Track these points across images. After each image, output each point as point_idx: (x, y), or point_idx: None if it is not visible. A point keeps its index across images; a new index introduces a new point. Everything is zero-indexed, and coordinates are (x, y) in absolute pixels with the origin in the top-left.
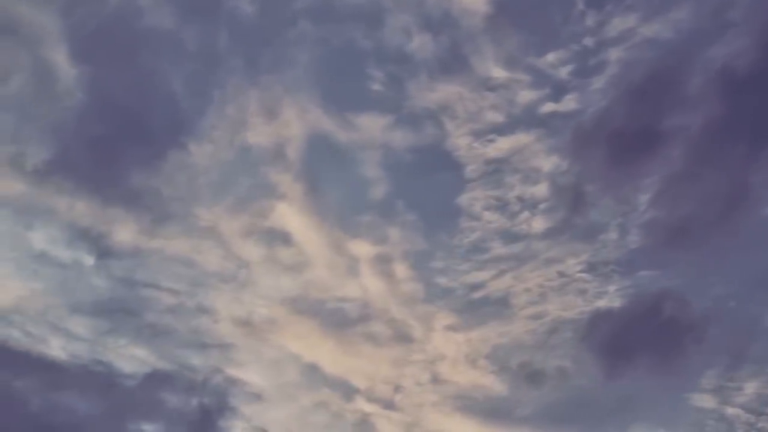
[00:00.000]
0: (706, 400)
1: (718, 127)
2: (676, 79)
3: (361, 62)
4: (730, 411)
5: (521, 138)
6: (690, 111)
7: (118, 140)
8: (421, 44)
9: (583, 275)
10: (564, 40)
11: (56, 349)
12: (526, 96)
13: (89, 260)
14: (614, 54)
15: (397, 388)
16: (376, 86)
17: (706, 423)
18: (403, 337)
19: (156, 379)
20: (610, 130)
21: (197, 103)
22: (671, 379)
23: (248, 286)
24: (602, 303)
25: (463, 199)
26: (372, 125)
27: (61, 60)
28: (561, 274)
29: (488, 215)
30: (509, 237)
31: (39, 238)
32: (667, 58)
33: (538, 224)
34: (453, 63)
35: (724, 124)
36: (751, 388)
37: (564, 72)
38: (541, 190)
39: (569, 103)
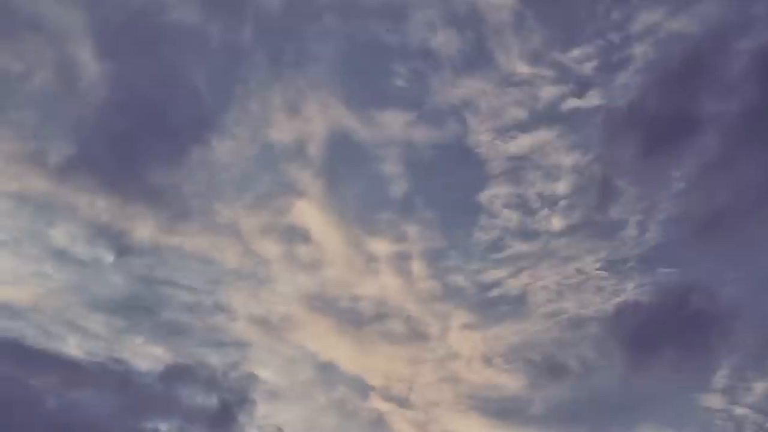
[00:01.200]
0: (715, 400)
1: (745, 123)
2: (703, 73)
3: (384, 58)
4: (739, 411)
5: (543, 135)
6: (716, 106)
7: (139, 137)
8: (445, 39)
9: (602, 272)
10: (589, 35)
11: (73, 347)
12: (549, 92)
13: (108, 258)
14: (640, 49)
15: (412, 387)
16: (399, 82)
17: (715, 423)
18: (419, 335)
19: (173, 376)
20: (633, 126)
21: (220, 99)
22: (683, 378)
23: (266, 284)
24: (619, 300)
25: (483, 197)
26: (394, 122)
27: (85, 56)
28: (579, 272)
29: (507, 213)
30: (528, 234)
31: (59, 236)
32: (693, 52)
33: (558, 221)
34: (477, 58)
35: (751, 120)
36: (760, 387)
37: (588, 67)
38: (562, 187)
39: (592, 98)
